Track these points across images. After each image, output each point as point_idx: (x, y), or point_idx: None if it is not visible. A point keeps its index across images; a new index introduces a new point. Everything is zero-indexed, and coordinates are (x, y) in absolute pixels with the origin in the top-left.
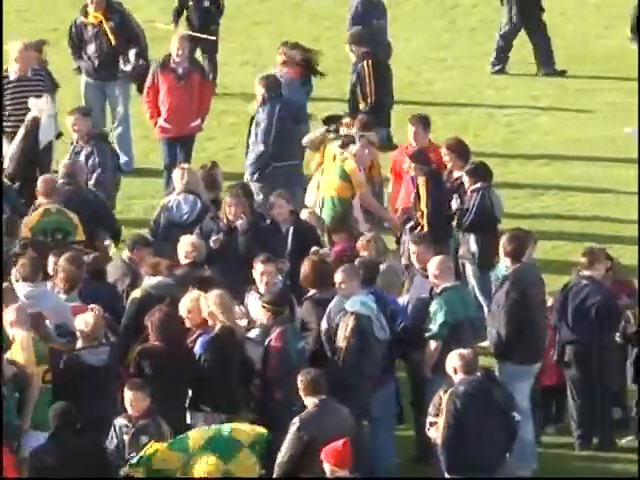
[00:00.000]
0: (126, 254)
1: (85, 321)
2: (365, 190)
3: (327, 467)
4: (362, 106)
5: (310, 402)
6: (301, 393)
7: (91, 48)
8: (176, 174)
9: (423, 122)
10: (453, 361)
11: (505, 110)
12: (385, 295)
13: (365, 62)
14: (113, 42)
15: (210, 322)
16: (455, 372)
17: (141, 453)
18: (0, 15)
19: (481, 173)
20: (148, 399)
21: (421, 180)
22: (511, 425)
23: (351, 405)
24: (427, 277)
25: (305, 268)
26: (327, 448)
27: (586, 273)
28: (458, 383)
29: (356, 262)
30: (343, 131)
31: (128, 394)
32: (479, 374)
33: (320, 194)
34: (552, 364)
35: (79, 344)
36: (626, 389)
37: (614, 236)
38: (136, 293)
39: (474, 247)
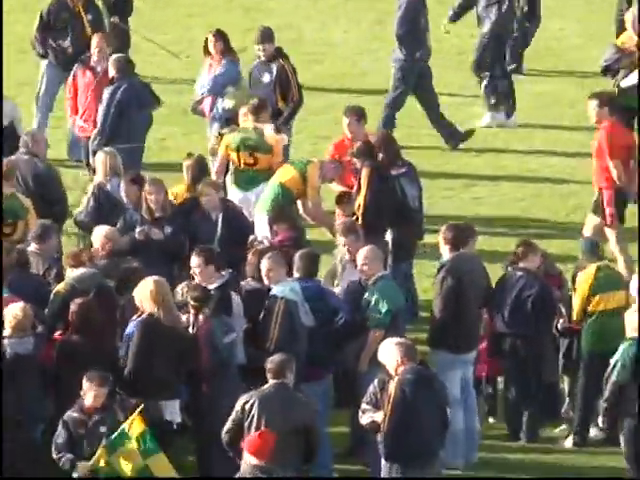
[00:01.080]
0: (34, 246)
1: (14, 312)
2: (317, 195)
3: (246, 456)
4: (281, 104)
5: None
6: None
7: (65, 37)
8: (100, 158)
9: (357, 113)
10: (393, 350)
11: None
12: (326, 289)
13: (281, 60)
14: (89, 33)
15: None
16: (398, 361)
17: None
18: (0, 15)
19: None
20: (108, 391)
21: (365, 172)
22: (445, 417)
23: None
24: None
25: (251, 257)
26: (248, 437)
27: (521, 265)
28: (404, 371)
29: (297, 254)
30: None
31: (92, 389)
32: (419, 364)
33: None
34: (484, 356)
35: (5, 332)
36: (559, 380)
37: (546, 227)
38: (60, 287)
39: (388, 236)
